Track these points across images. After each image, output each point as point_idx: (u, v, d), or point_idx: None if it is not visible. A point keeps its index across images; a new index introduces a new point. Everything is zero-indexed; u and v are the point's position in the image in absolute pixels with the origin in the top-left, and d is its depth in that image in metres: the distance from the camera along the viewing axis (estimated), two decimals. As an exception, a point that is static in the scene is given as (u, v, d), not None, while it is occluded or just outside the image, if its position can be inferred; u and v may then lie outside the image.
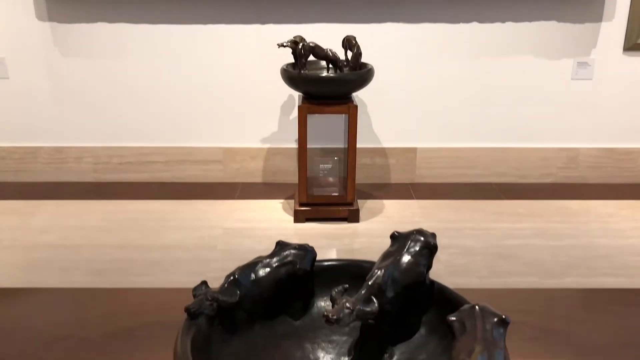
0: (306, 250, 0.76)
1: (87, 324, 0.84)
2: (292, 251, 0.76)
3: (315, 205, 1.96)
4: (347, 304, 0.65)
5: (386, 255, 0.73)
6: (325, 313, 0.63)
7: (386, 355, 0.72)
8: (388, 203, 2.09)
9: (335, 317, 0.63)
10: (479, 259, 1.73)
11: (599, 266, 1.69)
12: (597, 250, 1.78)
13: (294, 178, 2.08)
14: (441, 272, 1.64)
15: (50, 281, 1.62)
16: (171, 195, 2.10)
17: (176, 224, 1.95)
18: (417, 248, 0.72)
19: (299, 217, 1.96)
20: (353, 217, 1.98)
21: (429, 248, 0.73)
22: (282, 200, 2.10)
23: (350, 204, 1.98)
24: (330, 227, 1.94)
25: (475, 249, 1.80)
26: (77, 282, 1.62)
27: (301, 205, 1.97)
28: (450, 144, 2.18)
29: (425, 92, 2.10)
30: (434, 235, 0.75)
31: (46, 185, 2.17)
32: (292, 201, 2.06)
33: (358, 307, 0.65)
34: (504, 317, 0.64)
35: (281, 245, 0.77)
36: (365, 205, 2.07)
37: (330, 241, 1.88)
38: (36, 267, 1.70)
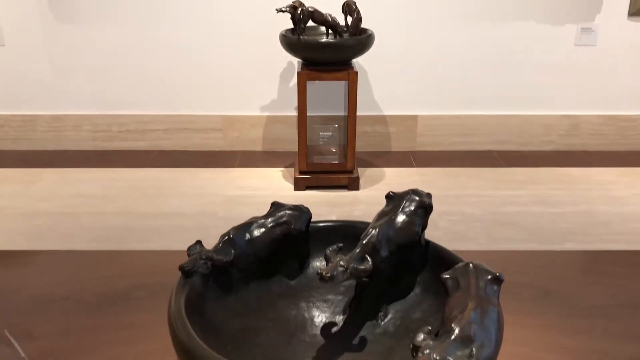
0: (301, 211, 0.76)
1: (85, 285, 0.84)
2: (287, 212, 0.75)
3: (315, 173, 1.96)
4: (341, 262, 0.65)
5: (381, 215, 0.73)
6: (319, 271, 0.63)
7: (380, 314, 0.72)
8: (388, 171, 2.09)
9: (328, 274, 0.63)
10: (478, 226, 1.73)
11: (598, 232, 1.68)
12: (597, 217, 1.78)
13: (294, 146, 2.08)
14: (440, 238, 1.64)
15: (51, 247, 1.63)
16: (171, 163, 2.10)
17: (176, 191, 1.96)
18: (412, 208, 0.72)
19: (299, 185, 1.96)
20: (353, 184, 1.98)
21: (424, 208, 0.73)
22: (282, 169, 2.09)
23: (350, 172, 1.97)
24: (330, 194, 1.94)
25: (474, 216, 1.80)
26: (77, 248, 1.63)
27: (301, 173, 1.97)
28: (451, 111, 2.17)
29: (426, 58, 2.08)
30: (429, 195, 0.74)
31: (46, 153, 2.17)
32: (292, 169, 2.06)
33: (352, 265, 0.65)
34: (497, 274, 0.64)
35: (276, 206, 0.77)
36: (366, 173, 2.07)
37: (330, 208, 1.88)
38: (37, 234, 1.71)
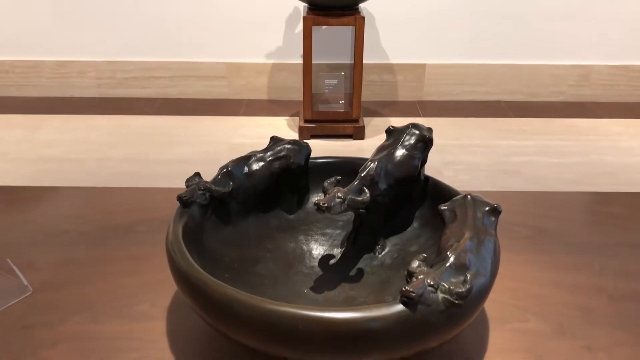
0: (300, 146, 0.76)
1: (88, 220, 0.85)
2: (287, 146, 0.75)
3: (320, 122, 1.95)
4: (339, 194, 0.65)
5: (380, 149, 0.73)
6: (316, 201, 0.64)
7: (378, 247, 0.73)
8: (394, 120, 2.08)
9: (325, 204, 0.63)
10: (482, 175, 1.73)
11: (603, 182, 1.68)
12: (603, 168, 1.77)
13: (299, 95, 2.06)
14: (444, 186, 1.64)
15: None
16: (176, 111, 2.10)
17: (181, 139, 1.96)
18: (412, 141, 0.72)
19: (303, 134, 1.95)
20: (358, 134, 1.97)
21: (424, 141, 0.72)
22: (287, 117, 2.09)
23: (356, 121, 1.96)
24: (335, 143, 1.93)
25: (479, 165, 1.80)
26: (83, 193, 1.65)
27: (306, 121, 1.96)
28: (460, 60, 2.14)
29: (435, 4, 2.04)
30: (429, 130, 0.74)
31: (50, 100, 2.17)
32: (297, 118, 2.05)
33: (349, 196, 0.65)
34: (495, 205, 0.64)
35: (275, 140, 0.77)
36: (371, 123, 2.06)
37: (346, 156, 1.87)
38: (42, 179, 1.72)
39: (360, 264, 0.72)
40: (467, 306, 0.55)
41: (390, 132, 0.75)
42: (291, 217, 0.77)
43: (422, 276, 0.55)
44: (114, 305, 0.71)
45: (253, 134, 2.00)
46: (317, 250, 0.74)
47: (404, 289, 0.53)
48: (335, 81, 1.99)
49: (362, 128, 1.97)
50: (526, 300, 0.73)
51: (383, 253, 0.73)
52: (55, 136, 1.95)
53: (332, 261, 0.73)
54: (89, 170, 1.77)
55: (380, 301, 0.65)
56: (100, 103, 2.20)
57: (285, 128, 2.01)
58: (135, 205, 0.89)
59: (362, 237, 0.74)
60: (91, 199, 0.93)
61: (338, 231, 0.76)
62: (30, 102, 2.19)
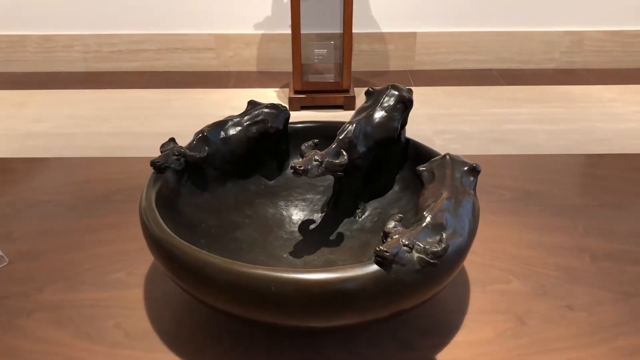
0: (279, 110, 0.75)
1: (65, 190, 0.84)
2: (264, 110, 0.74)
3: (310, 93, 1.92)
4: (316, 157, 0.64)
5: (359, 111, 0.71)
6: (293, 164, 0.62)
7: (358, 211, 0.72)
8: (385, 90, 2.06)
9: (302, 167, 0.62)
10: (474, 143, 1.71)
11: (595, 149, 1.67)
12: (595, 134, 1.76)
13: (289, 66, 2.04)
14: (435, 155, 1.63)
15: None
16: (164, 84, 2.07)
17: (170, 112, 1.94)
18: (392, 103, 0.70)
19: (293, 105, 1.93)
20: (349, 104, 1.95)
21: (404, 102, 0.71)
22: (277, 89, 2.07)
23: (347, 91, 1.94)
24: (325, 114, 1.91)
25: (471, 134, 1.78)
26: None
27: (296, 92, 1.93)
28: (451, 28, 2.11)
29: (425, -28, 2.01)
30: (409, 91, 0.72)
31: (37, 75, 2.14)
32: (287, 89, 2.03)
33: (327, 159, 0.64)
34: (474, 165, 0.63)
35: (253, 104, 0.75)
36: (363, 93, 2.03)
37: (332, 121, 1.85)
38: (31, 154, 1.70)
39: (340, 228, 0.71)
40: (443, 266, 0.54)
41: (369, 93, 0.73)
42: (271, 182, 0.75)
43: (397, 236, 0.54)
44: (91, 274, 0.70)
45: (243, 106, 1.97)
46: (297, 215, 0.73)
47: (378, 248, 0.52)
48: (325, 51, 1.96)
49: (353, 98, 1.95)
50: (508, 261, 0.72)
51: (363, 217, 0.72)
52: (43, 111, 1.93)
53: (312, 226, 0.72)
54: (77, 145, 1.75)
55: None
56: (88, 77, 2.17)
57: (275, 100, 1.99)
58: (113, 175, 0.88)
59: (342, 202, 0.73)
60: (67, 169, 0.92)
61: (318, 196, 0.75)
62: (17, 78, 2.16)
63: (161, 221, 0.58)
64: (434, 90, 2.11)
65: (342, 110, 2.00)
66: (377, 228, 0.69)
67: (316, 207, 0.74)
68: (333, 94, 1.97)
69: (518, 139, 1.79)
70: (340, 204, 0.73)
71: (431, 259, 0.53)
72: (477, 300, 0.66)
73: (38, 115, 1.96)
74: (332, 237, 0.70)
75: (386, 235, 0.55)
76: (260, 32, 2.07)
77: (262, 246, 0.68)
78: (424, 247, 0.53)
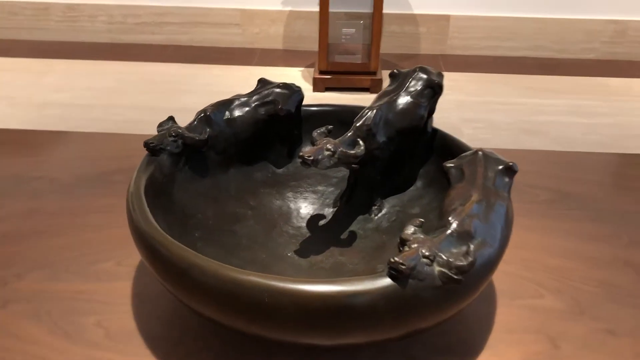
0: (291, 90, 0.66)
1: (63, 166, 0.77)
2: (275, 90, 0.65)
3: (335, 74, 1.83)
4: (328, 145, 0.55)
5: (382, 95, 0.62)
6: (302, 153, 0.54)
7: (374, 208, 0.63)
8: (414, 74, 1.95)
9: (311, 157, 0.53)
10: (504, 134, 1.61)
11: (632, 146, 1.55)
12: (633, 130, 1.63)
13: (315, 45, 1.94)
14: (462, 145, 1.52)
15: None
16: (187, 58, 1.99)
17: (191, 87, 1.86)
18: (419, 87, 0.61)
19: (318, 86, 1.83)
20: (376, 87, 1.85)
21: (433, 87, 0.61)
22: (302, 68, 1.97)
23: (374, 74, 1.84)
24: (350, 97, 1.82)
25: (501, 124, 1.67)
26: (86, 140, 1.57)
27: (321, 73, 1.84)
28: (487, 12, 1.98)
29: (462, -49, 1.88)
30: (439, 74, 0.63)
31: (60, 44, 2.08)
32: (312, 69, 1.94)
33: (340, 149, 0.55)
34: (510, 163, 0.53)
35: (263, 83, 0.67)
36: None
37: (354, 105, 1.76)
38: (48, 125, 1.64)
39: (353, 227, 0.62)
40: (468, 282, 0.45)
41: (394, 76, 0.64)
42: (279, 171, 0.67)
43: (416, 245, 0.45)
44: (77, 262, 0.62)
45: (265, 85, 1.87)
46: (306, 209, 0.65)
47: (392, 259, 0.43)
48: (353, 30, 1.85)
49: (380, 81, 1.85)
50: (541, 272, 0.63)
51: (380, 215, 0.63)
52: (62, 81, 1.87)
53: (321, 222, 0.64)
54: (95, 117, 1.69)
55: (370, 270, 0.56)
56: (111, 48, 2.10)
57: (299, 79, 1.90)
58: (116, 152, 0.80)
59: (357, 196, 0.64)
60: (69, 143, 0.85)
61: (331, 189, 0.66)
62: (40, 46, 2.09)
63: (147, 211, 0.50)
64: (465, 77, 1.99)
65: (368, 93, 1.90)
66: (394, 229, 0.61)
67: (328, 200, 0.65)
68: (359, 75, 1.87)
69: (551, 131, 1.68)
70: (355, 199, 0.64)
71: (455, 274, 0.44)
72: (504, 316, 0.57)
73: (58, 85, 1.90)
74: (343, 236, 0.62)
75: (403, 242, 0.46)
76: (288, 8, 1.97)
77: (263, 242, 0.60)
78: (447, 260, 0.45)
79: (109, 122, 1.72)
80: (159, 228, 0.48)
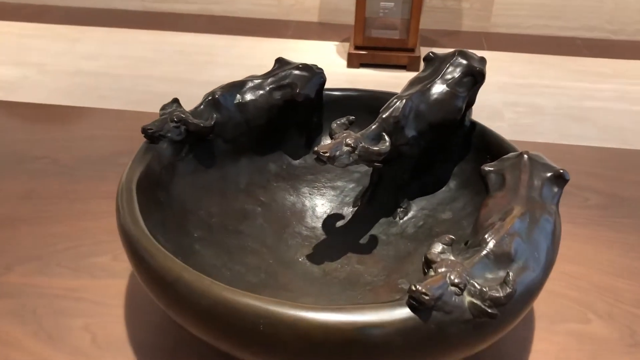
0: (312, 72, 0.57)
1: (67, 145, 0.70)
2: (294, 72, 0.57)
3: (371, 50, 1.73)
4: (348, 140, 0.47)
5: (414, 82, 0.53)
6: (317, 149, 0.46)
7: (400, 210, 0.55)
8: (454, 52, 1.83)
9: (327, 154, 0.45)
10: (548, 120, 1.49)
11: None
12: (691, 120, 1.49)
13: (352, 19, 1.84)
14: (502, 130, 1.42)
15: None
16: (221, 29, 1.92)
17: (224, 59, 1.79)
18: (457, 75, 0.52)
19: (352, 62, 1.74)
20: (413, 65, 1.75)
21: (474, 75, 0.52)
22: (337, 43, 1.87)
23: (412, 50, 1.74)
24: (386, 74, 1.72)
25: (546, 109, 1.55)
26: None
27: (356, 48, 1.74)
28: (534, -12, 1.84)
29: None
30: (482, 60, 0.54)
31: (93, 11, 2.03)
32: (347, 44, 1.84)
33: (361, 144, 0.47)
34: (561, 171, 0.44)
35: (281, 63, 0.58)
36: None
37: (384, 90, 1.66)
38: (77, 93, 1.60)
39: (374, 230, 0.54)
40: (504, 315, 0.37)
41: (429, 60, 0.55)
42: (295, 162, 0.59)
43: (444, 269, 0.37)
44: (70, 254, 0.56)
45: (298, 59, 1.79)
46: (323, 207, 0.57)
47: (414, 286, 0.35)
48: (391, 4, 1.74)
49: (418, 59, 1.74)
50: (589, 292, 0.54)
51: (405, 219, 0.55)
52: (94, 49, 1.82)
53: (339, 223, 0.56)
54: (124, 87, 1.64)
55: (390, 285, 0.48)
56: (144, 17, 2.04)
57: (333, 54, 1.81)
58: (128, 132, 0.73)
59: (380, 196, 0.56)
60: (76, 119, 0.79)
61: (352, 185, 0.58)
62: (74, 12, 2.05)
63: (137, 210, 0.43)
64: (509, 57, 1.86)
65: (404, 70, 1.79)
66: (422, 236, 0.52)
67: (347, 198, 0.58)
68: (396, 52, 1.77)
69: (598, 119, 1.55)
70: (378, 199, 0.56)
71: (489, 306, 0.36)
72: (542, 343, 0.49)
73: (90, 53, 1.85)
74: (362, 241, 0.54)
75: (429, 264, 0.38)
76: (325, -21, 1.87)
77: (272, 245, 0.52)
78: (481, 289, 0.36)
79: (138, 94, 1.67)
80: (146, 231, 0.41)
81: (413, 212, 0.55)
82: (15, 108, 0.80)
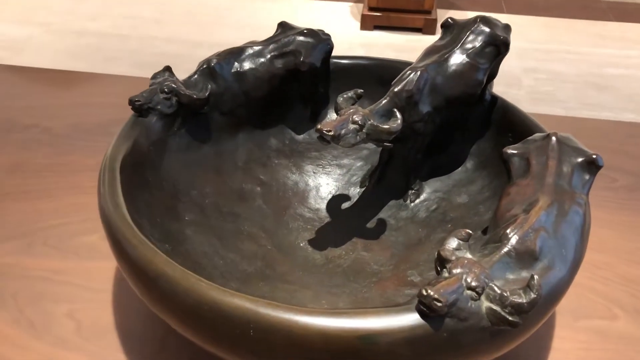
0: (318, 38, 0.52)
1: (59, 113, 0.66)
2: (298, 38, 0.51)
3: (386, 11, 1.65)
4: (355, 117, 0.42)
5: (430, 52, 0.48)
6: (319, 127, 0.41)
7: (411, 192, 0.50)
8: (473, 15, 1.74)
9: (331, 132, 0.40)
10: (569, 87, 1.42)
11: None
12: None
13: (367, -22, 1.75)
14: (520, 98, 1.35)
15: (94, 70, 1.48)
16: (230, -11, 1.84)
17: (233, 21, 1.72)
18: (478, 44, 0.46)
19: (366, 24, 1.66)
20: (429, 28, 1.67)
21: (496, 45, 0.46)
22: (350, 3, 1.79)
23: (428, 13, 1.65)
24: (400, 37, 1.64)
25: (566, 76, 1.48)
26: (120, 73, 1.47)
27: (370, 9, 1.66)
28: (559, -52, 1.74)
29: None
30: (506, 28, 0.48)
31: (100, -32, 1.95)
32: (361, 5, 1.76)
33: (370, 122, 0.42)
34: (594, 156, 0.39)
35: (284, 28, 0.53)
36: (446, 16, 1.73)
37: (398, 54, 1.59)
38: (82, 54, 1.55)
39: (383, 213, 0.50)
40: (525, 322, 0.32)
41: (447, 26, 0.49)
42: (298, 137, 0.54)
43: (459, 270, 0.32)
44: (56, 233, 0.52)
45: (310, 20, 1.72)
46: (328, 187, 0.52)
47: (425, 291, 0.30)
48: (408, -36, 1.66)
49: (434, 22, 1.66)
50: (615, 285, 0.49)
51: (417, 202, 0.50)
52: (100, 8, 1.75)
53: (345, 204, 0.51)
54: (131, 48, 1.58)
55: (399, 277, 0.43)
56: (152, -25, 1.95)
57: (346, 16, 1.73)
58: (120, 99, 0.68)
59: (390, 176, 0.50)
60: (70, 85, 0.74)
61: (360, 163, 0.53)
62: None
63: (119, 192, 0.38)
64: (529, 20, 1.78)
65: (420, 34, 1.72)
66: (435, 221, 0.48)
67: (354, 178, 0.52)
68: (412, 14, 1.68)
69: (623, 87, 1.47)
70: (387, 179, 0.50)
71: (510, 314, 0.32)
72: (564, 341, 0.45)
73: (95, 12, 1.78)
74: (370, 225, 0.49)
75: (442, 262, 0.34)
76: (339, -64, 1.78)
77: (271, 228, 0.48)
78: (501, 294, 0.32)
79: (145, 55, 1.61)
80: (128, 218, 0.36)
81: (425, 194, 0.50)
82: (12, 73, 0.75)
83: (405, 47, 1.63)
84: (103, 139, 0.64)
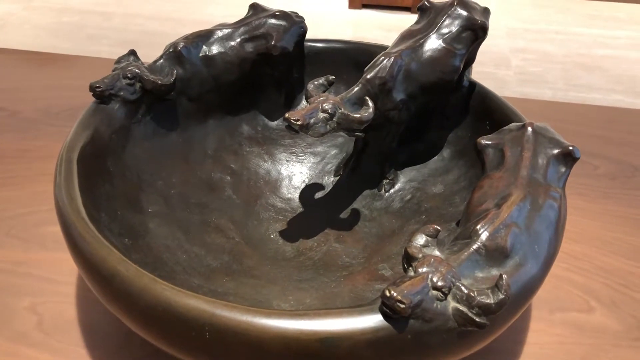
0: (291, 21, 0.49)
1: (30, 97, 0.63)
2: (269, 20, 0.49)
3: (374, -11, 1.61)
4: (325, 105, 0.40)
5: (405, 37, 0.45)
6: (287, 115, 0.39)
7: (385, 182, 0.48)
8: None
9: (300, 121, 0.38)
10: (557, 68, 1.39)
11: None
12: None
13: (355, -45, 1.71)
14: (508, 79, 1.33)
15: (76, 49, 1.44)
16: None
17: (218, -1, 1.68)
18: (455, 28, 0.44)
19: (354, 2, 1.63)
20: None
21: (474, 30, 0.44)
22: (339, -18, 1.75)
23: (417, -9, 1.62)
24: (390, 16, 1.61)
25: (555, 56, 1.45)
26: (102, 52, 1.43)
27: (358, -13, 1.63)
28: None
29: None
30: (485, 12, 0.45)
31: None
32: (349, -17, 1.72)
33: (341, 110, 0.40)
34: (571, 148, 0.37)
35: (256, 10, 0.50)
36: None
37: (387, 33, 1.56)
38: (64, 32, 1.51)
39: (357, 203, 0.48)
40: (493, 322, 0.31)
41: (424, 9, 0.47)
42: (271, 124, 0.52)
43: (425, 269, 0.31)
44: (21, 222, 0.50)
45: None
46: (301, 176, 0.50)
47: (387, 291, 0.29)
48: (396, -59, 1.62)
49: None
50: (592, 276, 0.48)
51: (391, 191, 0.48)
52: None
53: (318, 194, 0.49)
54: (114, 26, 1.54)
55: (370, 271, 0.42)
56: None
57: (334, -6, 1.69)
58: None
59: (365, 165, 0.49)
60: (42, 67, 0.71)
61: (334, 151, 0.51)
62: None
63: (75, 184, 0.36)
64: (519, 0, 1.75)
65: (409, 12, 1.69)
66: (409, 211, 0.46)
67: (329, 166, 0.51)
68: (401, -7, 1.66)
69: (611, 68, 1.45)
70: (362, 168, 0.49)
71: (477, 314, 0.30)
72: (538, 335, 0.43)
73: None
74: (343, 215, 0.47)
75: (409, 260, 0.32)
76: None
77: (241, 220, 0.46)
78: (468, 294, 0.30)
79: (128, 33, 1.57)
80: (82, 213, 0.35)
81: (400, 184, 0.48)
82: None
83: (393, 26, 1.60)
84: (69, 124, 0.61)
